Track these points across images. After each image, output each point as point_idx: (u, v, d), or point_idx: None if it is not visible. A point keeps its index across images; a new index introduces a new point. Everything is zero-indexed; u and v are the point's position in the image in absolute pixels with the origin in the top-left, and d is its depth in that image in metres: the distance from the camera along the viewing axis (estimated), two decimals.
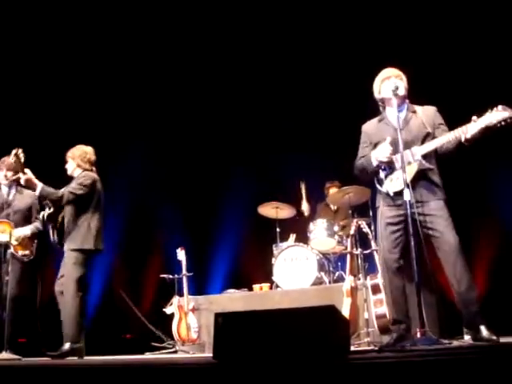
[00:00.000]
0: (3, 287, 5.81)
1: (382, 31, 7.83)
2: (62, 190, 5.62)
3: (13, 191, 6.24)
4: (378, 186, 4.47)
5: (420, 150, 4.28)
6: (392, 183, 4.35)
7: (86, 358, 5.48)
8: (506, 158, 7.07)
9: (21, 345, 6.03)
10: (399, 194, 4.23)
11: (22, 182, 5.53)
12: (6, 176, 6.13)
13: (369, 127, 4.66)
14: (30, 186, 5.57)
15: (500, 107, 4.06)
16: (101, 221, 5.78)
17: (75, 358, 5.32)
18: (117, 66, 9.06)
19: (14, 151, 5.53)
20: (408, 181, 4.18)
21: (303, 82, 8.54)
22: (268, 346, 3.11)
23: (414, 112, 4.46)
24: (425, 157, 4.28)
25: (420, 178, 4.29)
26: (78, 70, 8.98)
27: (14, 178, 5.88)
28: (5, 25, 8.33)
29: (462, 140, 4.14)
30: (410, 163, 4.27)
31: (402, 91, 4.40)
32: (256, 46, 8.70)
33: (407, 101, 4.51)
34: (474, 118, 4.11)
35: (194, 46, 9.00)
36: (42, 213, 5.83)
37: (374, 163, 4.43)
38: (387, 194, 4.39)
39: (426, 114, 4.44)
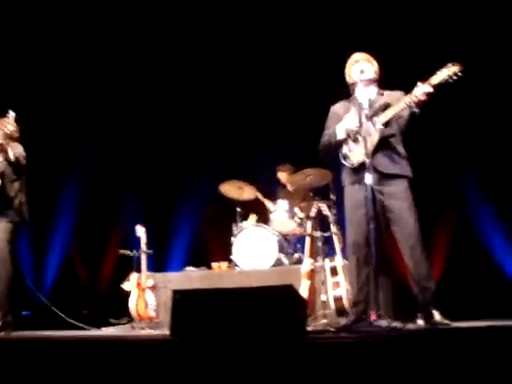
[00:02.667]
0: None
1: (352, 17, 7.84)
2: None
3: None
4: (343, 161, 4.49)
5: (380, 119, 4.33)
6: (356, 154, 4.37)
7: (39, 332, 5.44)
8: (468, 147, 7.23)
9: None
10: (363, 165, 4.23)
11: None
12: None
13: (337, 107, 4.70)
14: (2, 150, 5.35)
15: (449, 64, 4.16)
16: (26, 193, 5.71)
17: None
18: (89, 51, 8.91)
19: (12, 114, 5.33)
20: (370, 150, 4.23)
21: (265, 65, 8.50)
22: (225, 325, 3.12)
23: (382, 94, 4.53)
24: (385, 126, 4.33)
25: (383, 147, 4.33)
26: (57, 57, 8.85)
27: None
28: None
29: (412, 105, 4.18)
30: (370, 134, 4.31)
31: (369, 74, 4.47)
32: (220, 22, 8.62)
33: (375, 85, 4.56)
34: (419, 83, 4.19)
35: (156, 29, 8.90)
36: None
37: (340, 135, 4.46)
38: (352, 170, 4.41)
39: (393, 95, 4.49)
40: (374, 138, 4.32)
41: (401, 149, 4.42)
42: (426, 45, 7.34)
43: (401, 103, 4.27)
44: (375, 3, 7.70)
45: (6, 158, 5.37)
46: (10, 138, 5.48)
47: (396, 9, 7.59)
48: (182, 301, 3.29)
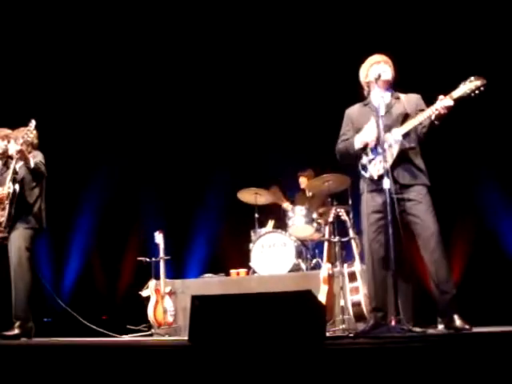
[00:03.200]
0: None
1: (363, 21, 7.83)
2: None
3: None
4: (361, 171, 4.47)
5: (399, 131, 4.30)
6: (375, 167, 4.35)
7: (59, 339, 5.46)
8: (491, 156, 7.17)
9: None
10: (382, 177, 4.21)
11: (15, 152, 5.33)
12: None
13: (352, 111, 4.68)
14: (22, 157, 5.35)
15: (472, 78, 4.12)
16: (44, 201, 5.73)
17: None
18: (100, 58, 9.00)
19: (34, 122, 5.36)
20: (390, 163, 4.20)
21: (281, 72, 8.51)
22: (244, 330, 3.11)
23: (398, 98, 4.49)
24: (404, 137, 4.29)
25: (402, 159, 4.30)
26: (65, 63, 8.93)
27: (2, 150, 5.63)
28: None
29: (433, 118, 4.18)
30: (390, 146, 4.28)
31: (387, 75, 4.45)
32: (231, 31, 8.66)
33: (392, 88, 4.53)
34: (441, 96, 4.16)
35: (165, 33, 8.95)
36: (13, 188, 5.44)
37: (357, 146, 4.45)
38: (371, 179, 4.40)
39: (409, 99, 4.47)
40: (393, 150, 4.28)
41: (419, 161, 4.39)
42: (441, 48, 7.33)
43: (420, 116, 4.24)
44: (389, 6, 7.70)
45: (27, 165, 5.42)
46: (30, 145, 5.55)
47: (411, 12, 7.58)
48: (201, 306, 3.29)
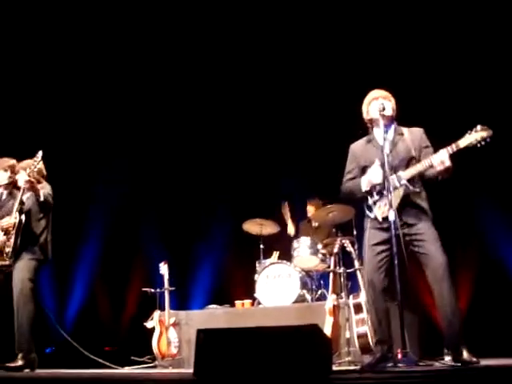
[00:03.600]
0: None
1: (370, 53, 7.88)
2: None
3: (4, 195, 5.74)
4: (367, 212, 4.44)
5: (405, 175, 4.27)
6: (380, 209, 4.32)
7: (62, 370, 5.42)
8: (492, 187, 7.17)
9: None
10: (387, 218, 4.20)
11: (24, 183, 5.34)
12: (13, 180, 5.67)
13: (357, 148, 4.63)
14: (31, 188, 5.38)
15: (478, 127, 4.09)
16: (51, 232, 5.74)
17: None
18: (101, 88, 9.10)
19: (41, 153, 5.40)
20: (395, 205, 4.17)
21: (288, 101, 8.57)
22: (250, 365, 3.08)
23: (402, 134, 4.44)
24: (410, 181, 4.27)
25: (406, 203, 4.28)
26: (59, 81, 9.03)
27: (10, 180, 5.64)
28: None
29: (439, 177, 4.19)
30: (396, 188, 4.26)
31: (388, 111, 4.40)
32: (238, 60, 8.77)
33: (395, 122, 4.49)
34: (441, 150, 4.15)
35: (174, 57, 9.06)
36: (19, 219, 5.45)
37: (364, 188, 4.42)
38: (375, 219, 4.38)
39: (413, 136, 4.43)
40: (398, 193, 4.26)
41: (424, 202, 4.36)
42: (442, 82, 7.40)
43: (425, 162, 4.22)
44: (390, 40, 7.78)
45: (36, 197, 5.44)
46: (40, 176, 5.58)
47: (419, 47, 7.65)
48: (206, 340, 3.26)
